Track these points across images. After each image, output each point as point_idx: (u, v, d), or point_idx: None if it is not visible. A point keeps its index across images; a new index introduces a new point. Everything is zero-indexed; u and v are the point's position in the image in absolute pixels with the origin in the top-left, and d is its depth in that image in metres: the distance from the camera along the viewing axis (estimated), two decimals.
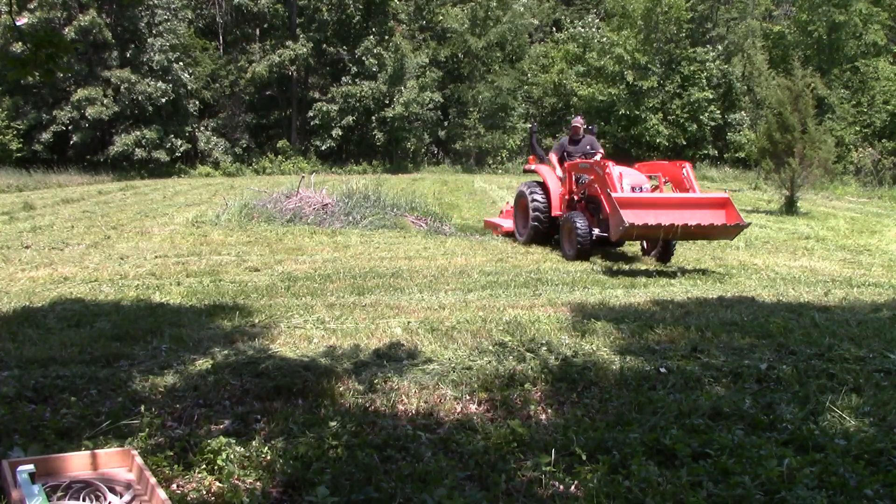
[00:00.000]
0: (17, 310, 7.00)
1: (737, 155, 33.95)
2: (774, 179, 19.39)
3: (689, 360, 5.12)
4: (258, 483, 3.27)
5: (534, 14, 39.91)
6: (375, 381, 4.59)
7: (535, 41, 41.19)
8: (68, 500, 3.01)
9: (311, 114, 35.57)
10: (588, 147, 12.11)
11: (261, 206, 15.71)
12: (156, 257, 10.57)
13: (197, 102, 34.39)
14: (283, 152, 35.53)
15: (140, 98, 31.06)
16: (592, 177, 10.82)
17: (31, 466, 3.01)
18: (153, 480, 3.07)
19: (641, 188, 10.66)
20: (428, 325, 6.23)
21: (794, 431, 3.82)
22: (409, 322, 6.41)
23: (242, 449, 3.52)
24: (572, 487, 3.26)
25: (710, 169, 32.49)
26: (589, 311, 6.97)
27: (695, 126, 34.24)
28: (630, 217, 9.50)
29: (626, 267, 10.44)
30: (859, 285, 9.01)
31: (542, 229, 12.01)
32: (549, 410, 4.26)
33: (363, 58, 35.08)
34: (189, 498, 3.15)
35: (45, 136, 31.05)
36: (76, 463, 3.27)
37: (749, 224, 10.48)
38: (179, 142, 32.60)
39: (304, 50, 34.89)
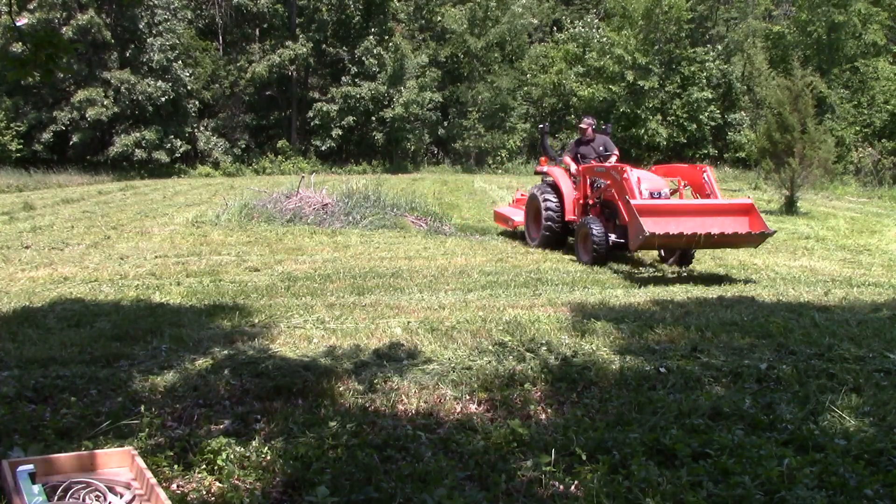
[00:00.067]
0: (17, 310, 7.00)
1: (737, 155, 33.96)
2: (774, 179, 19.39)
3: (689, 360, 5.12)
4: (258, 483, 3.27)
5: (533, 14, 39.91)
6: (375, 381, 4.59)
7: (534, 41, 41.19)
8: (68, 500, 3.01)
9: (310, 114, 35.58)
10: (602, 148, 11.69)
11: (261, 206, 15.71)
12: (156, 257, 10.57)
13: (197, 102, 34.39)
14: (282, 152, 35.53)
15: (140, 98, 31.05)
16: (609, 181, 10.37)
17: (31, 466, 3.01)
18: (153, 480, 3.07)
19: (660, 193, 10.15)
20: (428, 325, 6.23)
21: (794, 431, 3.83)
22: (409, 322, 6.41)
23: (242, 449, 3.52)
24: (572, 487, 3.26)
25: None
26: (589, 311, 6.97)
27: (694, 126, 34.24)
28: (651, 226, 8.99)
29: (626, 268, 10.44)
30: (859, 285, 9.01)
31: (554, 234, 11.58)
32: (549, 410, 4.26)
33: (363, 58, 35.08)
34: (189, 498, 3.15)
35: (45, 136, 31.05)
36: (76, 463, 3.27)
37: (774, 232, 9.97)
38: (179, 142, 32.60)
39: (304, 50, 34.89)
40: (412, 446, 3.63)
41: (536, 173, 13.11)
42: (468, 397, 4.39)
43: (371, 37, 35.28)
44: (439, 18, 38.22)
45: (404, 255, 11.06)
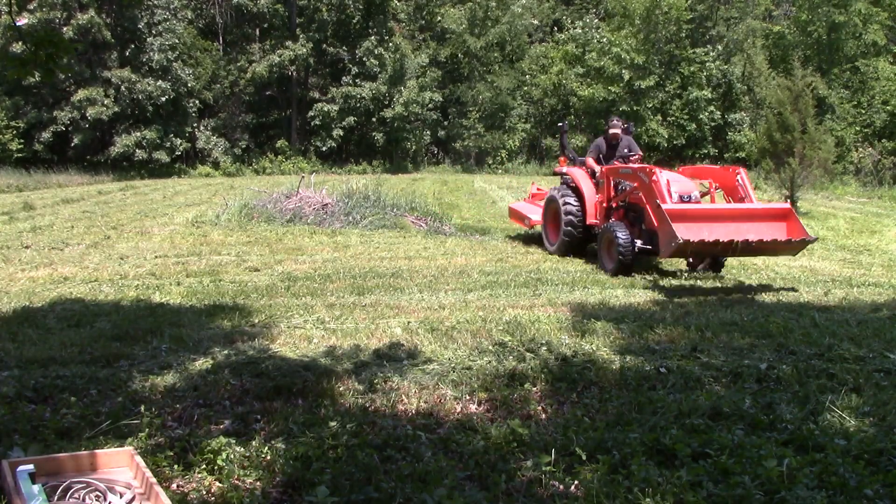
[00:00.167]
0: (17, 310, 7.00)
1: (737, 155, 33.94)
2: (774, 179, 19.37)
3: (689, 360, 5.13)
4: (258, 483, 3.27)
5: (533, 14, 39.92)
6: (375, 381, 4.59)
7: (534, 41, 41.19)
8: (68, 500, 3.01)
9: (311, 114, 35.58)
10: (626, 150, 11.04)
11: (261, 206, 15.70)
12: (156, 257, 10.57)
13: (197, 102, 34.39)
14: (282, 152, 35.52)
15: (140, 97, 31.06)
16: (636, 184, 9.63)
17: (31, 466, 3.02)
18: (153, 480, 3.07)
19: (690, 196, 9.45)
20: (428, 325, 6.23)
21: (794, 431, 3.83)
22: (409, 322, 6.41)
23: (242, 449, 3.52)
24: (572, 487, 3.27)
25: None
26: (589, 311, 6.98)
27: (694, 126, 34.24)
28: (684, 232, 8.28)
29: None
30: (859, 285, 9.01)
31: (574, 239, 10.86)
32: (549, 410, 4.26)
33: (363, 58, 35.09)
34: (189, 498, 3.15)
35: (45, 136, 31.05)
36: (76, 463, 3.27)
37: (816, 239, 9.18)
38: (179, 141, 32.61)
39: (304, 50, 34.89)
40: (412, 446, 3.63)
41: (555, 174, 12.38)
42: (468, 397, 4.40)
43: (371, 37, 35.29)
44: (439, 18, 38.23)
45: (404, 255, 11.05)
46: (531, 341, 5.56)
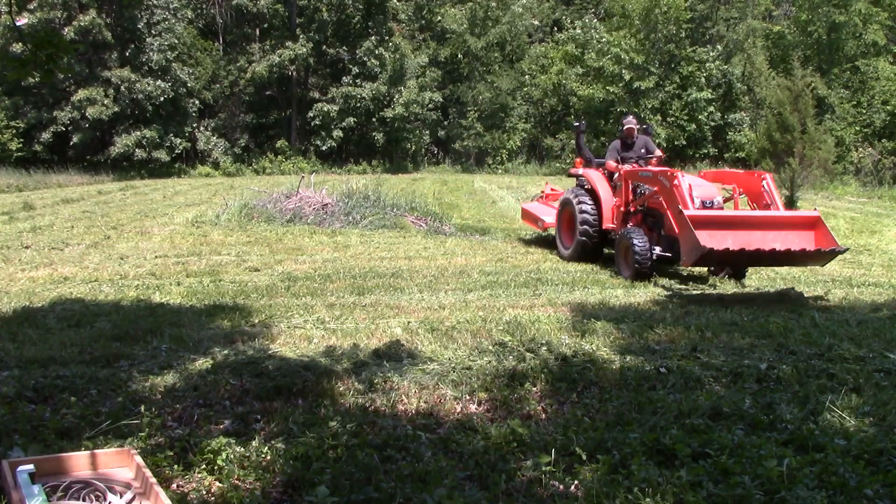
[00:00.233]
0: (17, 310, 7.00)
1: (737, 155, 33.94)
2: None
3: (689, 360, 5.13)
4: (258, 483, 3.27)
5: (533, 14, 39.93)
6: (375, 380, 4.59)
7: (534, 41, 41.19)
8: (68, 500, 3.01)
9: (311, 114, 35.58)
10: (643, 150, 10.66)
11: (261, 206, 15.70)
12: (156, 257, 10.57)
13: (197, 102, 34.40)
14: (282, 152, 35.52)
15: (140, 97, 31.07)
16: (656, 188, 9.20)
17: (31, 466, 3.02)
18: (153, 480, 3.07)
19: (713, 202, 9.09)
20: (428, 325, 6.23)
21: (794, 431, 3.83)
22: (409, 322, 6.41)
23: (242, 449, 3.52)
24: (572, 487, 3.27)
25: (710, 169, 32.50)
26: (589, 311, 6.98)
27: (693, 126, 34.25)
28: (707, 240, 7.88)
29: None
30: (859, 285, 9.01)
31: (590, 244, 10.45)
32: (549, 410, 4.26)
33: (363, 58, 35.10)
34: (189, 498, 3.15)
35: (45, 136, 31.05)
36: (76, 463, 3.27)
37: (847, 249, 8.74)
38: (179, 141, 32.62)
39: (304, 50, 34.89)
40: (412, 446, 3.63)
41: (569, 175, 11.98)
42: (468, 397, 4.40)
43: (371, 37, 35.30)
44: (439, 18, 38.23)
45: (404, 255, 11.05)
46: (531, 341, 5.56)
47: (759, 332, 6.13)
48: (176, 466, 3.40)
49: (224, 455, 3.42)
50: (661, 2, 33.47)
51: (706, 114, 34.16)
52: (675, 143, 34.44)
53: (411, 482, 3.22)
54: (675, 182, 8.76)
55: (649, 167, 10.00)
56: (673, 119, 34.49)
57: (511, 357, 5.09)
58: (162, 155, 31.89)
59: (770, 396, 4.40)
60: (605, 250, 10.70)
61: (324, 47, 36.05)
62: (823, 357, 5.27)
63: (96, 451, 3.38)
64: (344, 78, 35.65)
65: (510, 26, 37.24)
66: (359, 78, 35.31)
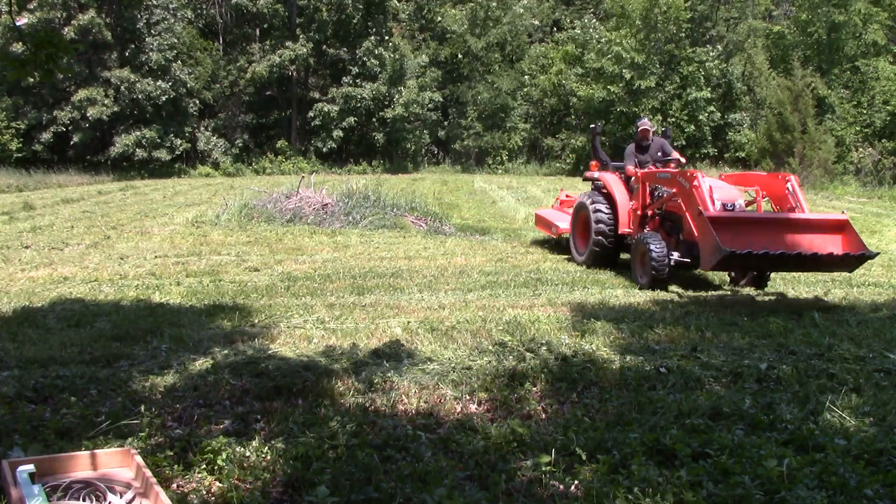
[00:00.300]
0: (17, 310, 7.00)
1: (737, 155, 33.95)
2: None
3: (689, 360, 5.13)
4: (258, 483, 3.27)
5: (533, 14, 39.93)
6: (375, 380, 4.59)
7: (534, 41, 41.20)
8: (68, 500, 3.01)
9: (311, 114, 35.59)
10: (659, 153, 10.35)
11: (261, 206, 15.71)
12: (156, 257, 10.57)
13: (197, 102, 34.40)
14: (282, 152, 35.53)
15: (140, 97, 31.09)
16: (675, 190, 8.86)
17: (31, 466, 3.02)
18: (153, 480, 3.07)
19: (734, 205, 8.70)
20: (428, 325, 6.23)
21: (794, 431, 3.83)
22: (408, 322, 6.41)
23: (242, 449, 3.52)
24: (572, 487, 3.27)
25: (710, 169, 32.51)
26: (589, 311, 6.98)
27: (693, 126, 34.26)
28: (729, 243, 7.53)
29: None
30: (859, 285, 9.01)
31: (605, 249, 10.08)
32: (549, 410, 4.26)
33: (363, 58, 35.11)
34: (189, 498, 3.15)
35: (45, 136, 31.07)
36: (76, 463, 3.27)
37: (877, 254, 8.37)
38: (179, 141, 32.63)
39: (304, 50, 34.89)
40: (412, 446, 3.63)
41: (585, 179, 11.62)
42: (468, 397, 4.40)
43: (371, 37, 35.30)
44: (439, 19, 38.24)
45: (404, 255, 11.05)
46: (531, 341, 5.56)
47: (759, 332, 6.13)
48: (176, 466, 3.40)
49: (224, 455, 3.42)
50: (661, 2, 33.47)
51: (706, 114, 34.17)
52: (675, 143, 34.46)
53: (411, 482, 3.22)
54: (695, 183, 8.42)
55: (667, 169, 9.77)
56: (673, 119, 34.50)
57: (511, 357, 5.09)
58: (162, 155, 31.90)
59: (770, 396, 4.40)
60: (621, 256, 10.34)
61: (324, 47, 36.05)
62: (823, 357, 5.27)
63: (96, 451, 3.38)
64: (344, 78, 35.66)
65: (511, 26, 37.25)
66: (359, 78, 35.32)
